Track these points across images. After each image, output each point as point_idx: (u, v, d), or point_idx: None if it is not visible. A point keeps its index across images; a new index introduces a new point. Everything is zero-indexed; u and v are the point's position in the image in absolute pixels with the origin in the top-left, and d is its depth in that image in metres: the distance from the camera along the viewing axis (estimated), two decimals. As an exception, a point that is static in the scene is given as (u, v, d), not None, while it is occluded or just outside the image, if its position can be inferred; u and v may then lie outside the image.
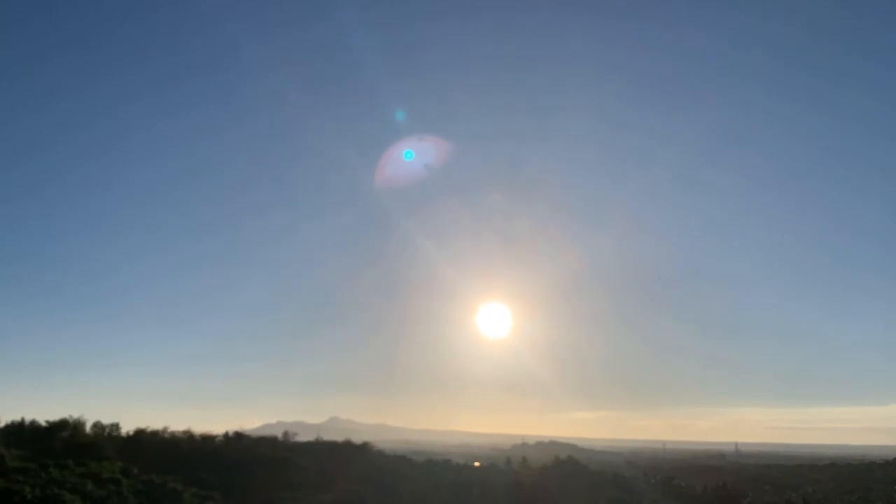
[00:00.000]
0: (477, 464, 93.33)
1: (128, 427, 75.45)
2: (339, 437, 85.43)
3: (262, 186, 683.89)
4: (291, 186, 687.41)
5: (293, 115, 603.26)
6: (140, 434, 74.16)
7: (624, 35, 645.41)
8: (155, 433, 75.06)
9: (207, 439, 76.24)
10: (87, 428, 72.42)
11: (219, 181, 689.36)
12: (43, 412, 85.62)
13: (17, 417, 72.65)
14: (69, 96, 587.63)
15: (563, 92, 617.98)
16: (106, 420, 74.62)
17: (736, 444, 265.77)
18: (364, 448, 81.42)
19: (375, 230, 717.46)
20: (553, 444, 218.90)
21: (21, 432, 68.79)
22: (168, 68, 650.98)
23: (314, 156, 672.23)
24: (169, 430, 76.42)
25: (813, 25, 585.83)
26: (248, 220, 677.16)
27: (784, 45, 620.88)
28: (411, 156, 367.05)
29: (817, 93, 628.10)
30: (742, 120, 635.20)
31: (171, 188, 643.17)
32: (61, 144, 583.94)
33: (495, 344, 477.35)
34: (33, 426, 70.92)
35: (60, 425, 70.06)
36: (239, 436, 79.58)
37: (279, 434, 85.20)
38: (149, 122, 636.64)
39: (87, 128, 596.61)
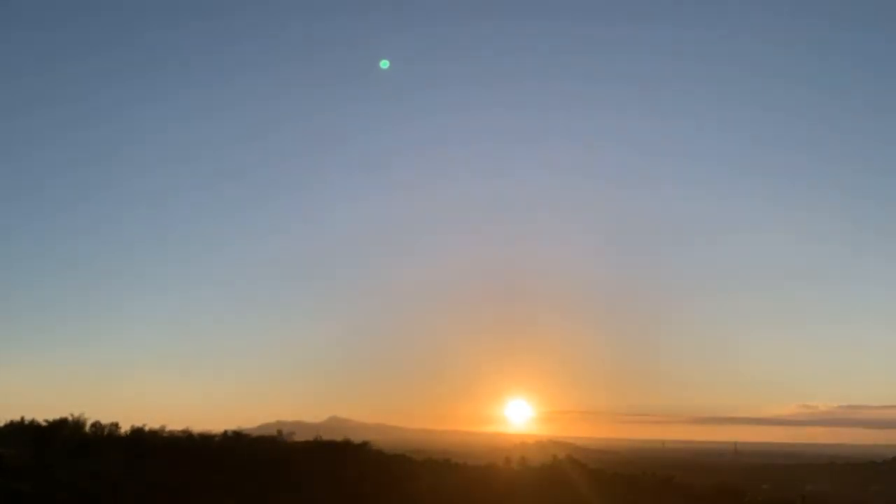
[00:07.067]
0: (476, 464, 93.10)
1: (126, 426, 75.56)
2: (338, 437, 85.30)
3: (252, 185, 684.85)
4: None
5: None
6: (139, 433, 74.25)
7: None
8: (154, 432, 75.18)
9: (206, 438, 76.28)
10: (87, 427, 72.53)
11: (216, 179, 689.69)
12: (43, 412, 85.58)
13: (16, 417, 72.86)
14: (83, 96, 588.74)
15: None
16: (105, 419, 74.76)
17: (735, 443, 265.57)
18: (364, 447, 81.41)
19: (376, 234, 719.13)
20: (552, 444, 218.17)
21: (21, 432, 68.94)
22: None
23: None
24: (168, 429, 76.53)
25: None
26: (247, 215, 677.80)
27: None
28: (387, 65, 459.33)
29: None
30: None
31: (168, 187, 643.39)
32: (64, 145, 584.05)
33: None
34: (33, 426, 71.03)
35: (60, 425, 70.16)
36: (238, 435, 79.56)
37: (278, 433, 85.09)
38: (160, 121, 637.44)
39: (93, 128, 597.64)
